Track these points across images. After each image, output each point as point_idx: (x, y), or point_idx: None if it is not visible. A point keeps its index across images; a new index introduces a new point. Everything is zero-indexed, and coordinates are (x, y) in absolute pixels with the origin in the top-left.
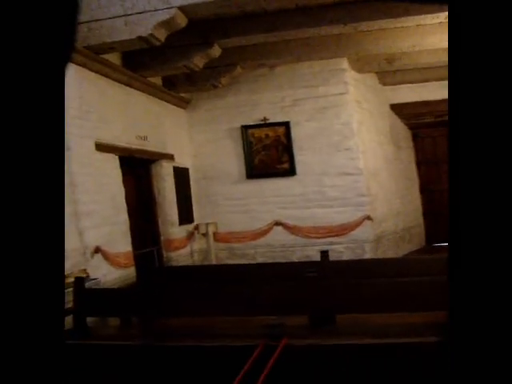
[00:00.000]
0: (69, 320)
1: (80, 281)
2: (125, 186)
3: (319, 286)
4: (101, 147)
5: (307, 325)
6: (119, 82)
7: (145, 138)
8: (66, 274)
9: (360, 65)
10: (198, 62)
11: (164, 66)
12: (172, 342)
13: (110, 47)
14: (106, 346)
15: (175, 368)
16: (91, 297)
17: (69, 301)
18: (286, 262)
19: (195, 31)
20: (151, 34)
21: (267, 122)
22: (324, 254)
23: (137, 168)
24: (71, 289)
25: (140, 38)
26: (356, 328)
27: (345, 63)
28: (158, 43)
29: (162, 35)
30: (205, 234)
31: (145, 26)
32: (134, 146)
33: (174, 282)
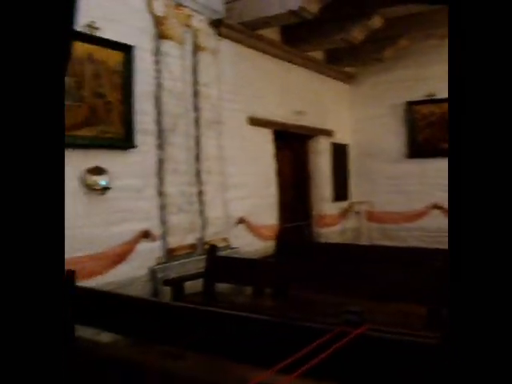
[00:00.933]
0: (198, 284)
1: (213, 248)
2: (280, 161)
3: (437, 276)
4: (254, 121)
5: (424, 316)
6: (277, 57)
7: (302, 113)
8: (206, 240)
9: None
10: (357, 34)
11: (321, 39)
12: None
13: (263, 22)
14: (207, 311)
15: (249, 338)
16: (222, 264)
17: (202, 266)
18: (424, 248)
19: (353, 2)
20: (302, 7)
21: (434, 97)
22: None
23: (294, 143)
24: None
25: (291, 11)
26: None
27: None
28: (309, 16)
29: (313, 8)
30: (358, 213)
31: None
32: (290, 121)
33: (312, 257)
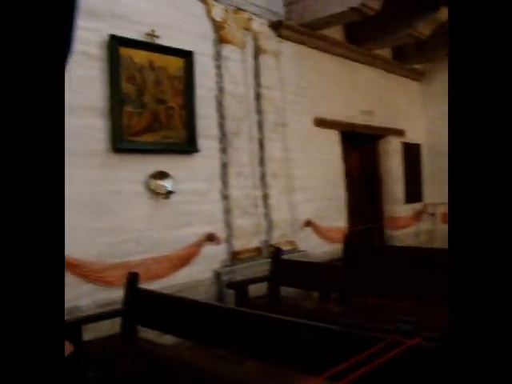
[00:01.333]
0: (263, 287)
1: (278, 251)
2: (348, 162)
3: None
4: (320, 122)
5: None
6: (341, 56)
7: (370, 113)
8: (272, 243)
9: None
10: (424, 29)
11: (387, 36)
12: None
13: (324, 22)
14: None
15: (297, 343)
16: (287, 267)
17: (268, 269)
18: None
19: None
20: (363, 4)
21: None
22: None
23: (362, 143)
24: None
25: (352, 9)
26: None
27: None
28: (372, 13)
29: (375, 4)
30: (433, 214)
31: None
32: (357, 122)
33: (382, 260)
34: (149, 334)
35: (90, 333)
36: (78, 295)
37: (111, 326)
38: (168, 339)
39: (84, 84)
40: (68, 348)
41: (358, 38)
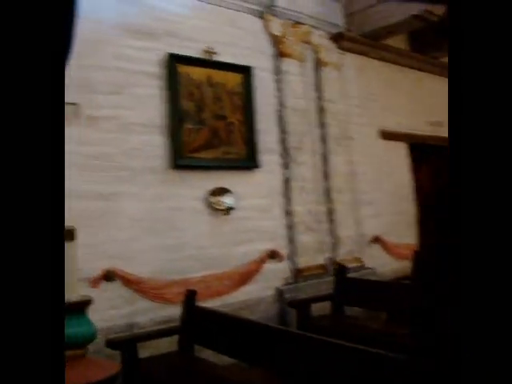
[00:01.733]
0: (327, 306)
1: (342, 268)
2: (417, 175)
3: None
4: (385, 135)
5: None
6: (406, 66)
7: (439, 124)
8: (337, 260)
9: None
10: None
11: None
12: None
13: (387, 31)
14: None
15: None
16: (353, 286)
17: (332, 288)
18: None
19: None
20: (426, 10)
21: None
22: None
23: (431, 156)
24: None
25: (414, 16)
26: None
27: None
28: (435, 19)
29: (439, 9)
30: None
31: (418, 3)
32: (426, 133)
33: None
34: (206, 352)
35: (149, 350)
36: (136, 311)
37: (170, 344)
38: (225, 358)
39: (143, 102)
40: (114, 367)
41: (423, 46)
